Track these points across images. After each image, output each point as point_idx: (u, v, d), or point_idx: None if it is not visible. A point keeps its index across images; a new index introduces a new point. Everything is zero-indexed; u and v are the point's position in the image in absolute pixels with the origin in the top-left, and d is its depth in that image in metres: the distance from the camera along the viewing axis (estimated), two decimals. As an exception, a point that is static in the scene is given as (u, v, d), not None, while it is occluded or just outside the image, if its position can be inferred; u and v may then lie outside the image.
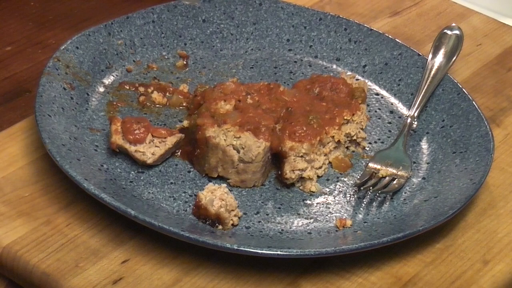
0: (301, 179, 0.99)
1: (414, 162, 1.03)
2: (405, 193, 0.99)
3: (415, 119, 1.07)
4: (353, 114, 1.04)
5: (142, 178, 0.97)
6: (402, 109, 1.11)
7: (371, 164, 1.01)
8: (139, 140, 0.98)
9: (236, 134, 0.97)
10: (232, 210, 0.92)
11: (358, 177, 1.00)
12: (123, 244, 0.90)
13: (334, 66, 1.17)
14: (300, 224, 0.94)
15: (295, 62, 1.17)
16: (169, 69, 1.13)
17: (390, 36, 1.17)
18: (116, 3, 1.86)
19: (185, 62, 1.15)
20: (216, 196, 0.92)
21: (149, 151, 0.97)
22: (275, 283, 0.88)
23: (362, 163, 1.03)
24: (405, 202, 0.97)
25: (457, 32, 1.17)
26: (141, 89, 1.09)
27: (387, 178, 0.99)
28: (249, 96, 1.03)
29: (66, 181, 0.94)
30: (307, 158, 0.98)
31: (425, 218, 0.92)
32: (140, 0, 1.72)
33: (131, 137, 0.97)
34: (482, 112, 1.05)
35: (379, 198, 0.98)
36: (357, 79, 1.14)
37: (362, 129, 1.05)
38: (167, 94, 1.09)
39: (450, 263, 0.92)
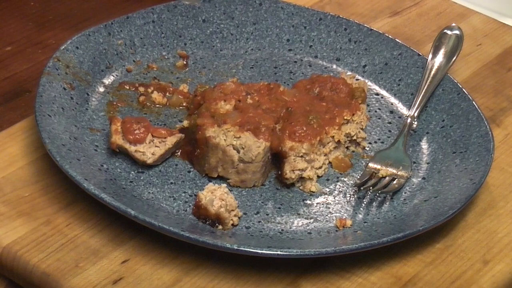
0: (301, 179, 0.99)
1: (414, 162, 1.03)
2: (405, 193, 0.99)
3: (415, 119, 1.07)
4: (353, 114, 1.04)
5: (142, 178, 0.97)
6: (402, 109, 1.11)
7: (371, 164, 1.01)
8: (139, 140, 0.98)
9: (236, 134, 0.97)
10: (232, 210, 0.92)
11: (358, 177, 1.00)
12: (123, 244, 0.90)
13: (334, 66, 1.17)
14: (300, 224, 0.94)
15: (295, 62, 1.17)
16: (169, 69, 1.13)
17: (390, 36, 1.17)
18: (116, 3, 1.86)
19: (185, 62, 1.15)
20: (216, 196, 0.92)
21: (149, 151, 0.97)
22: (275, 283, 0.88)
23: (362, 163, 1.03)
24: (405, 202, 0.98)
25: (457, 32, 1.17)
26: (141, 89, 1.09)
27: (387, 178, 0.99)
28: (249, 96, 1.03)
29: (66, 181, 0.94)
30: (307, 158, 0.98)
31: (425, 218, 0.92)
32: (140, 0, 1.72)
33: (131, 137, 0.97)
34: (482, 112, 1.05)
35: (379, 198, 0.98)
36: (357, 79, 1.14)
37: (362, 129, 1.05)
38: (167, 94, 1.09)
39: (450, 263, 0.92)
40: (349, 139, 1.04)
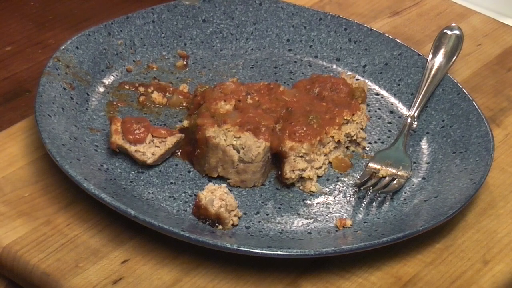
0: (301, 179, 0.99)
1: (414, 162, 1.03)
2: (405, 193, 0.99)
3: (415, 119, 1.07)
4: (353, 114, 1.04)
5: (142, 178, 0.97)
6: (402, 109, 1.11)
7: (371, 164, 1.01)
8: (139, 140, 0.98)
9: (236, 134, 0.97)
10: (232, 210, 0.92)
11: (358, 177, 1.00)
12: (123, 244, 0.90)
13: (334, 66, 1.17)
14: (300, 224, 0.94)
15: (295, 62, 1.17)
16: (169, 69, 1.13)
17: (390, 36, 1.17)
18: (116, 3, 1.86)
19: (185, 62, 1.15)
20: (216, 196, 0.92)
21: (149, 151, 0.97)
22: (275, 283, 0.88)
23: (362, 163, 1.03)
24: (405, 202, 0.98)
25: (457, 32, 1.17)
26: (141, 89, 1.09)
27: (387, 178, 0.99)
28: (249, 96, 1.03)
29: (66, 181, 0.94)
30: (307, 158, 0.98)
31: (425, 218, 0.92)
32: (140, 0, 1.73)
33: (131, 137, 0.97)
34: (482, 112, 1.05)
35: (379, 198, 0.98)
36: (357, 79, 1.14)
37: (362, 129, 1.05)
38: (167, 94, 1.09)
39: (450, 263, 0.92)
40: (349, 139, 1.04)
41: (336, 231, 0.93)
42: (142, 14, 1.15)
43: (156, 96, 1.08)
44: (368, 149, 1.05)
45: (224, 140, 0.96)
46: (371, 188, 0.98)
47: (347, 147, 1.04)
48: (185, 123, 1.03)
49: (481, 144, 1.01)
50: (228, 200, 0.92)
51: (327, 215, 0.95)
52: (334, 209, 0.96)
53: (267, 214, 0.95)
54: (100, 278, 0.86)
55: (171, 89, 1.10)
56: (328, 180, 1.00)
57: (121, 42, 1.12)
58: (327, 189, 0.99)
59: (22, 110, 1.53)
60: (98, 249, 0.89)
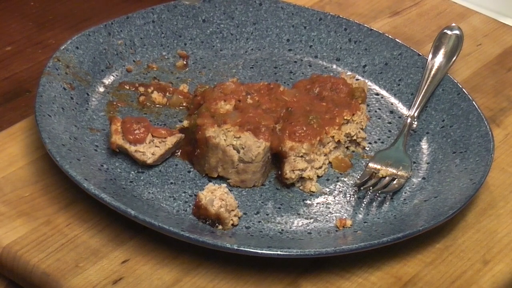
0: (301, 179, 0.99)
1: (414, 162, 1.03)
2: (405, 193, 0.99)
3: (415, 119, 1.07)
4: (353, 114, 1.04)
5: (142, 178, 0.97)
6: (402, 109, 1.11)
7: (371, 164, 1.01)
8: (139, 140, 0.98)
9: (236, 134, 0.97)
10: (232, 210, 0.92)
11: (358, 177, 1.00)
12: (123, 244, 0.90)
13: (334, 66, 1.17)
14: (300, 224, 0.94)
15: (295, 62, 1.17)
16: (169, 69, 1.13)
17: (390, 36, 1.17)
18: (116, 3, 1.86)
19: (185, 62, 1.15)
20: (216, 196, 0.92)
21: (149, 151, 0.97)
22: (275, 283, 0.88)
23: (362, 163, 1.03)
24: (405, 202, 0.98)
25: (457, 32, 1.17)
26: (141, 89, 1.09)
27: (387, 178, 0.99)
28: (249, 96, 1.03)
29: (66, 181, 0.94)
30: (307, 158, 0.98)
31: (425, 218, 0.92)
32: (140, 0, 1.72)
33: (131, 137, 0.97)
34: (482, 112, 1.05)
35: (379, 198, 0.98)
36: (357, 79, 1.14)
37: (362, 129, 1.05)
38: (167, 94, 1.09)
39: (450, 263, 0.92)
40: (349, 139, 1.04)
41: (336, 231, 0.93)
42: (142, 14, 1.15)
43: (156, 96, 1.08)
44: (368, 149, 1.05)
45: (224, 140, 0.96)
46: (371, 188, 0.98)
47: (347, 147, 1.04)
48: (185, 123, 1.03)
49: (481, 144, 1.01)
50: (228, 200, 0.92)
51: (327, 215, 0.95)
52: (334, 209, 0.96)
53: (267, 214, 0.95)
54: (100, 278, 0.86)
55: (171, 89, 1.10)
56: (328, 180, 1.00)
57: (121, 42, 1.12)
58: (327, 189, 0.99)
59: (22, 110, 1.53)
60: (98, 249, 0.89)
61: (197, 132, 0.98)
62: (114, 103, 1.07)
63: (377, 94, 1.14)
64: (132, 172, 0.97)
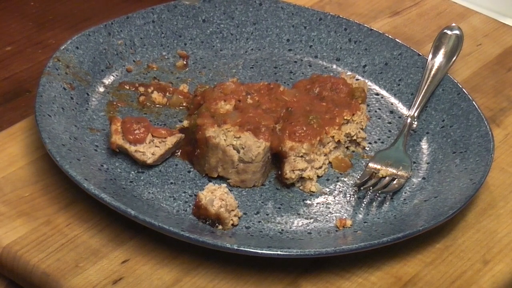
0: (301, 179, 0.99)
1: (414, 162, 1.03)
2: (405, 193, 0.99)
3: (415, 119, 1.07)
4: (353, 114, 1.04)
5: (142, 178, 0.97)
6: (402, 109, 1.11)
7: (371, 164, 1.01)
8: (139, 140, 0.98)
9: (236, 134, 0.97)
10: (232, 210, 0.92)
11: (358, 177, 1.00)
12: (123, 244, 0.90)
13: (334, 66, 1.17)
14: (300, 224, 0.94)
15: (295, 62, 1.17)
16: (169, 69, 1.13)
17: (390, 36, 1.17)
18: (116, 3, 1.86)
19: (185, 62, 1.15)
20: (216, 196, 0.92)
21: (149, 151, 0.97)
22: (275, 283, 0.88)
23: (362, 163, 1.03)
24: (405, 202, 0.98)
25: (457, 32, 1.17)
26: (141, 89, 1.09)
27: (387, 178, 0.99)
28: (249, 96, 1.03)
29: (66, 181, 0.94)
30: (307, 158, 0.98)
31: (425, 218, 0.92)
32: (140, 0, 1.72)
33: (131, 137, 0.97)
34: (482, 112, 1.05)
35: (379, 198, 0.98)
36: (357, 79, 1.14)
37: (362, 129, 1.05)
38: (167, 94, 1.09)
39: (450, 263, 0.92)
40: (349, 139, 1.04)
41: (336, 231, 0.93)
42: (142, 14, 1.15)
43: (156, 96, 1.08)
44: (368, 149, 1.05)
45: (224, 140, 0.96)
46: (371, 188, 0.98)
47: (347, 147, 1.04)
48: (185, 123, 1.03)
49: (481, 144, 1.01)
50: (228, 200, 0.92)
51: (327, 215, 0.95)
52: (334, 209, 0.96)
53: (267, 214, 0.95)
54: (100, 278, 0.86)
55: (171, 89, 1.10)
56: (328, 180, 1.00)
57: (121, 42, 1.12)
58: (327, 189, 0.99)
59: (22, 110, 1.53)
60: (98, 249, 0.89)
61: (197, 132, 0.98)
62: (114, 103, 1.07)
63: (377, 94, 1.14)
64: (132, 172, 0.97)
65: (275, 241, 0.90)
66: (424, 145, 1.06)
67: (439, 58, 1.14)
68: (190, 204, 0.94)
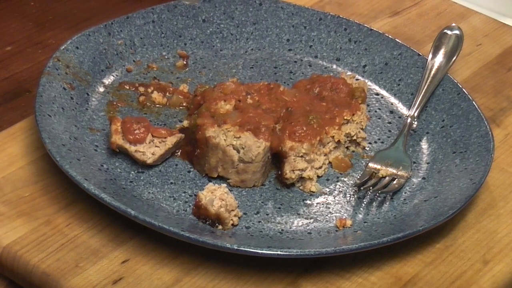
0: (301, 179, 0.99)
1: (414, 162, 1.03)
2: (405, 193, 0.99)
3: (415, 119, 1.07)
4: (353, 114, 1.04)
5: (142, 178, 0.97)
6: (402, 109, 1.11)
7: (371, 164, 1.01)
8: (139, 140, 0.98)
9: (236, 134, 0.97)
10: (232, 210, 0.92)
11: (358, 177, 1.00)
12: (123, 244, 0.90)
13: (334, 66, 1.17)
14: (300, 224, 0.94)
15: (295, 62, 1.17)
16: (169, 69, 1.13)
17: (390, 36, 1.17)
18: (116, 3, 1.86)
19: (185, 62, 1.15)
20: (216, 196, 0.92)
21: (149, 151, 0.97)
22: (275, 283, 0.88)
23: (362, 163, 1.03)
24: (405, 202, 0.98)
25: (457, 32, 1.17)
26: (141, 89, 1.09)
27: (387, 178, 0.99)
28: (249, 96, 1.03)
29: (66, 181, 0.94)
30: (307, 158, 0.98)
31: (425, 218, 0.92)
32: (140, 0, 1.72)
33: (131, 137, 0.97)
34: (482, 112, 1.05)
35: (379, 198, 0.98)
36: (357, 79, 1.14)
37: (362, 129, 1.05)
38: (167, 94, 1.09)
39: (450, 263, 0.92)
40: (349, 139, 1.04)
41: (336, 231, 0.93)
42: (142, 14, 1.15)
43: (156, 96, 1.08)
44: (368, 149, 1.05)
45: (224, 140, 0.96)
46: (371, 188, 0.98)
47: (347, 147, 1.04)
48: (185, 123, 1.03)
49: (481, 144, 1.01)
50: (228, 200, 0.92)
51: (327, 215, 0.95)
52: (334, 209, 0.96)
53: (267, 214, 0.95)
54: (100, 278, 0.86)
55: (171, 89, 1.10)
56: (328, 180, 1.00)
57: (121, 42, 1.12)
58: (327, 189, 0.99)
59: (22, 110, 1.53)
60: (98, 249, 0.89)
61: (197, 132, 0.98)
62: (114, 103, 1.07)
63: (377, 94, 1.14)
64: (132, 172, 0.97)
65: (275, 241, 0.90)
66: (424, 145, 1.06)
67: (439, 58, 1.14)
68: (190, 204, 0.94)
